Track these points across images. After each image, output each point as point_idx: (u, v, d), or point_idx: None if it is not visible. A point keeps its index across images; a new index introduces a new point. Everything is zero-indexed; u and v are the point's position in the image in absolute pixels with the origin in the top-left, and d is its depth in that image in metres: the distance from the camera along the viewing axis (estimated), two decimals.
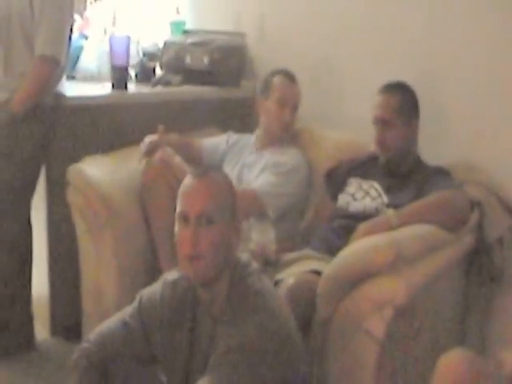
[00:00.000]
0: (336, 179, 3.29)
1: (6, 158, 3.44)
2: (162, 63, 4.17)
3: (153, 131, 3.38)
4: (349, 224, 2.96)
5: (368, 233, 2.77)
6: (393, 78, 3.14)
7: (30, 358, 3.58)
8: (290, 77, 3.48)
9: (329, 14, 3.77)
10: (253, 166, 3.42)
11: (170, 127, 3.44)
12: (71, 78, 4.08)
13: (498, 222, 2.93)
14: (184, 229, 2.28)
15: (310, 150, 3.52)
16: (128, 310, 2.49)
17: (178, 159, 3.30)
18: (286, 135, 3.48)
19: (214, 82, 4.03)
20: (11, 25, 3.41)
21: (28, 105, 3.40)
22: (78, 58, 4.20)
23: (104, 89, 3.85)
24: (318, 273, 2.78)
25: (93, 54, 4.20)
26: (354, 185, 3.17)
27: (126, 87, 3.80)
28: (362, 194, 3.11)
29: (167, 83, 4.01)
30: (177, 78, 4.04)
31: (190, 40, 4.15)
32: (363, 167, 3.24)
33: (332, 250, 2.87)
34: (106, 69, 4.00)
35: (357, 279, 2.62)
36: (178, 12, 4.51)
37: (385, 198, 3.04)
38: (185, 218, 2.28)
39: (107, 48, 3.88)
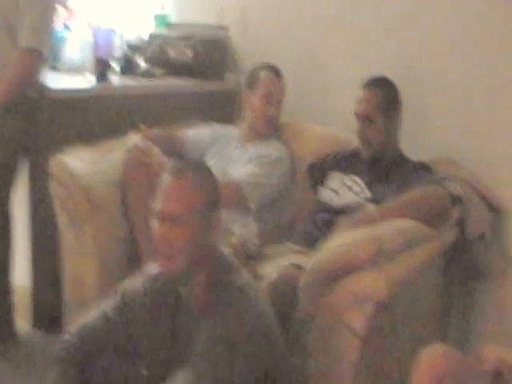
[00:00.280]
0: (318, 172, 3.30)
1: None
2: (146, 56, 4.16)
3: (136, 124, 3.37)
4: (332, 219, 2.97)
5: (350, 227, 2.78)
6: (376, 71, 3.15)
7: (11, 350, 3.56)
8: (275, 72, 3.48)
9: (311, 6, 3.77)
10: (237, 159, 3.42)
11: (153, 120, 3.44)
12: (54, 68, 4.06)
13: (479, 219, 2.95)
14: (159, 227, 2.29)
15: (293, 143, 3.52)
16: (109, 303, 2.49)
17: (157, 151, 3.29)
18: (271, 129, 3.48)
19: (197, 75, 4.03)
20: None
21: (10, 97, 3.38)
22: (60, 49, 4.18)
23: (87, 81, 3.83)
24: (300, 267, 2.79)
25: (76, 46, 4.19)
26: (336, 179, 3.18)
27: (108, 79, 3.79)
28: (345, 189, 3.12)
29: (151, 76, 4.00)
30: (160, 71, 4.04)
31: (173, 33, 4.15)
32: (346, 162, 3.25)
33: (314, 245, 2.88)
34: (89, 61, 3.98)
35: (338, 274, 2.63)
36: (162, 8, 4.51)
37: (367, 193, 3.05)
38: (160, 217, 2.29)
39: (91, 40, 3.86)
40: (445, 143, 3.18)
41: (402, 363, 2.53)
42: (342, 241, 2.70)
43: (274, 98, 3.43)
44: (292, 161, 3.44)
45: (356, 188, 3.08)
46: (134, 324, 2.44)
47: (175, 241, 2.27)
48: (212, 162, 3.31)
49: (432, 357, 2.26)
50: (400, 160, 3.11)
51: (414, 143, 3.17)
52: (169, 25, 4.40)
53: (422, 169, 3.03)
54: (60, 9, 4.10)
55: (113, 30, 3.84)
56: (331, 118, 3.60)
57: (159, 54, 4.12)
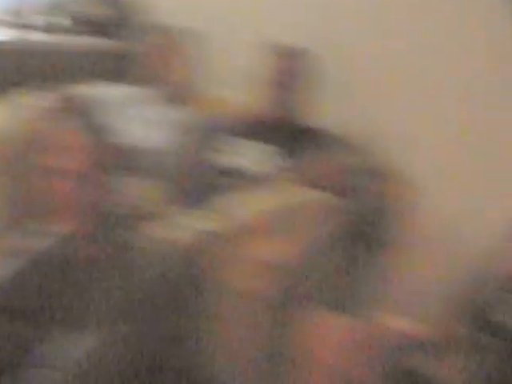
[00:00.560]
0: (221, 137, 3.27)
1: None
2: (68, 14, 4.10)
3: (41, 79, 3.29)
4: (234, 183, 2.95)
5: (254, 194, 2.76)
6: (289, 37, 3.13)
7: None
8: (180, 35, 3.44)
9: None
10: (141, 121, 3.38)
11: (58, 77, 3.36)
12: None
13: (382, 191, 2.97)
14: (62, 185, 2.24)
15: (198, 108, 3.48)
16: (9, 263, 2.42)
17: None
18: (176, 93, 3.45)
19: (107, 34, 3.99)
20: None
21: None
22: None
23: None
24: (206, 232, 2.75)
25: None
26: (241, 146, 3.16)
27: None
28: (249, 156, 3.09)
29: (72, 33, 3.96)
30: (71, 28, 3.97)
31: None
32: (253, 129, 3.22)
33: (218, 209, 2.84)
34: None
35: (245, 240, 2.61)
36: None
37: (274, 161, 3.04)
38: (62, 174, 2.23)
39: None
40: (360, 114, 3.19)
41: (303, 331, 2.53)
42: (249, 206, 2.68)
43: (180, 61, 3.40)
44: (196, 124, 3.40)
45: (260, 155, 3.07)
46: (25, 281, 2.38)
47: (62, 197, 2.22)
48: (114, 123, 3.24)
49: (334, 326, 2.28)
50: (308, 129, 3.11)
51: (335, 116, 3.16)
52: None
53: (331, 139, 3.03)
54: None
55: None
56: (238, 82, 3.56)
57: (75, 12, 4.06)
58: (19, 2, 3.68)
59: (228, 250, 2.62)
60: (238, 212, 2.68)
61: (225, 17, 3.76)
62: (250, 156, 3.09)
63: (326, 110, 3.16)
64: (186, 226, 2.77)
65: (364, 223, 2.93)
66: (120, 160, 2.42)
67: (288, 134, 3.10)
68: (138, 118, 3.40)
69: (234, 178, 2.94)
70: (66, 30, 3.97)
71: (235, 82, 3.58)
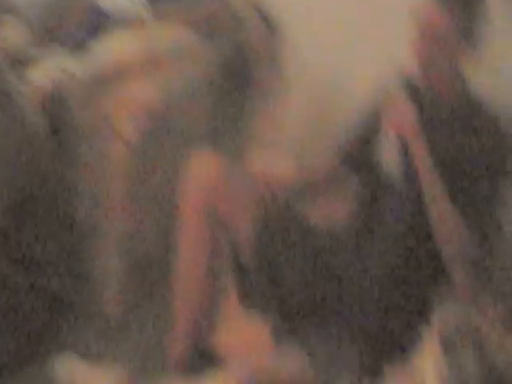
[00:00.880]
0: None
1: None
2: None
3: None
4: (100, 21, 2.87)
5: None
6: None
7: None
8: None
9: None
10: None
11: None
12: None
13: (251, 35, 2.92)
14: None
15: None
16: None
17: None
18: None
19: None
20: None
21: None
22: None
23: None
24: (70, 73, 2.68)
25: None
26: None
27: None
28: None
29: None
30: None
31: None
32: None
33: (84, 49, 2.76)
34: None
35: (110, 80, 2.55)
36: None
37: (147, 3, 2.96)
38: None
39: None
40: None
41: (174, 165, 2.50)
42: (112, 45, 2.61)
43: None
44: None
45: None
46: None
47: None
48: None
49: (202, 166, 2.26)
50: None
51: None
52: None
53: None
54: None
55: None
56: None
57: None
58: None
59: (91, 91, 2.56)
60: (105, 53, 2.62)
61: None
62: None
63: None
64: (52, 69, 2.70)
65: (235, 64, 2.89)
66: None
67: None
68: None
69: (110, 19, 2.84)
70: None
71: None
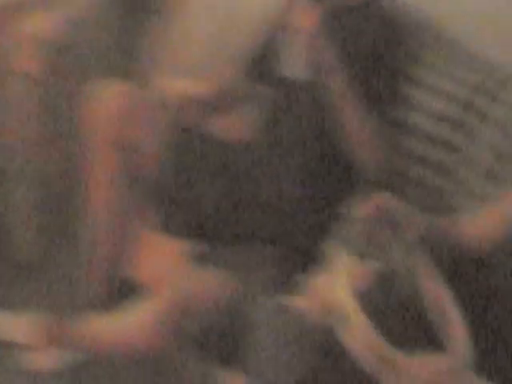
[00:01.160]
0: None
1: None
2: None
3: None
4: None
5: None
6: None
7: None
8: None
9: None
10: None
11: None
12: None
13: None
14: None
15: None
16: None
17: None
18: None
19: None
20: None
21: None
22: None
23: None
24: None
25: None
26: None
27: None
28: None
29: None
30: None
31: None
32: None
33: None
34: None
35: (9, 15, 2.46)
36: None
37: None
38: None
39: None
40: None
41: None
42: None
43: None
44: None
45: None
46: None
47: None
48: None
49: (109, 97, 2.21)
50: None
51: None
52: None
53: None
54: None
55: None
56: None
57: None
58: None
59: None
60: None
61: None
62: None
63: None
64: None
65: None
66: None
67: None
68: None
69: None
70: None
71: None
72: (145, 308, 1.90)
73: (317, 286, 1.63)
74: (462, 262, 1.65)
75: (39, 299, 2.43)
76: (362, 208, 1.68)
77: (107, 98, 2.21)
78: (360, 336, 1.47)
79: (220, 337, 1.76)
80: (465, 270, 1.64)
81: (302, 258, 2.00)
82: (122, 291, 2.17)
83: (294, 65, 2.19)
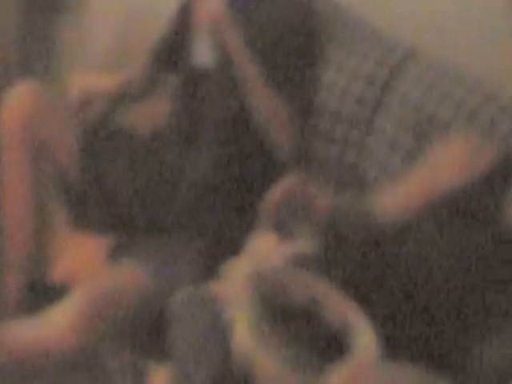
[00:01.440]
0: None
1: None
2: None
3: None
4: None
5: None
6: None
7: None
8: None
9: None
10: None
11: None
12: None
13: None
14: None
15: None
16: None
17: None
18: None
19: None
20: None
21: None
22: None
23: None
24: None
25: None
26: None
27: None
28: None
29: None
30: None
31: None
32: None
33: None
34: None
35: None
36: None
37: None
38: None
39: None
40: None
41: None
42: None
43: None
44: None
45: None
46: None
47: None
48: None
49: (19, 96, 2.17)
50: None
51: None
52: None
53: None
54: None
55: None
56: None
57: None
58: None
59: None
60: None
61: None
62: None
63: None
64: None
65: None
66: None
67: None
68: None
69: None
70: None
71: None
72: (63, 308, 1.86)
73: (230, 271, 1.61)
74: (377, 237, 1.63)
75: None
76: (273, 192, 1.67)
77: (16, 98, 2.17)
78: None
79: (142, 329, 1.73)
80: (379, 245, 1.62)
81: (229, 246, 1.98)
82: (41, 294, 2.13)
83: (203, 52, 2.17)
